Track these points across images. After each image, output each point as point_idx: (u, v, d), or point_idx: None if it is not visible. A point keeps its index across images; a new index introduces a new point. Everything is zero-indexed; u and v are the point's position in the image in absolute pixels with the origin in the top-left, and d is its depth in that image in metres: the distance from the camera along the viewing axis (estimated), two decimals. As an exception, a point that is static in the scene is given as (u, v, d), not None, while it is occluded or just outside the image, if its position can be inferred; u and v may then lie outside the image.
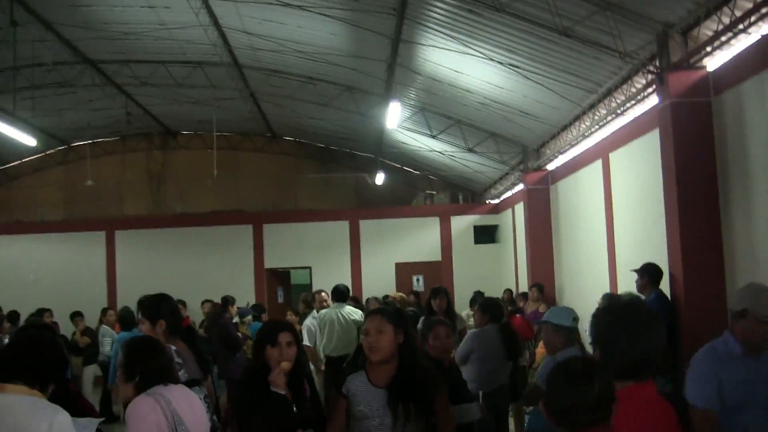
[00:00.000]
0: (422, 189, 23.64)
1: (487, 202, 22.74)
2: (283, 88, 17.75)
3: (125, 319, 12.03)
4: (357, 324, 11.29)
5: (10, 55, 14.51)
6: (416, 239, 22.27)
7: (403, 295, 14.34)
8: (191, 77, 17.44)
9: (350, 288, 13.63)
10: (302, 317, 13.92)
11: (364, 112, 17.86)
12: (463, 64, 13.33)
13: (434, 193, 23.19)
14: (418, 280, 21.66)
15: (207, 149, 23.66)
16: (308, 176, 23.64)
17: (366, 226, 22.44)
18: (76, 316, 15.09)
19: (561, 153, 15.45)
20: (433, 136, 17.66)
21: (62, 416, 3.77)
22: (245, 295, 19.66)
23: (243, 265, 22.09)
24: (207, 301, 17.28)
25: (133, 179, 24.22)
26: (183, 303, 15.79)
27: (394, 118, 14.60)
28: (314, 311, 12.60)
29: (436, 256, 22.19)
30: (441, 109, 16.54)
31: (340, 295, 11.98)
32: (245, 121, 21.81)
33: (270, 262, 22.37)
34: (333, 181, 23.89)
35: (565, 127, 14.35)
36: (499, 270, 21.51)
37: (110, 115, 21.06)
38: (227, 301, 13.21)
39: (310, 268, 22.31)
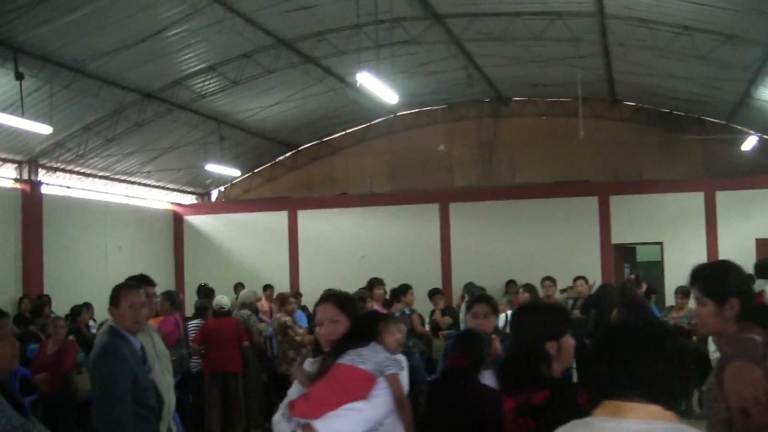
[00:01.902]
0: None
1: None
2: (648, 41, 15.47)
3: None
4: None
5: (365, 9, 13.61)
6: (781, 212, 19.34)
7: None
8: (547, 30, 15.69)
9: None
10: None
11: (747, 65, 15.27)
12: None
13: (806, 159, 19.97)
14: (780, 258, 18.60)
15: (541, 116, 22.30)
16: (676, 138, 21.33)
17: (722, 197, 19.87)
18: (435, 293, 13.61)
19: None
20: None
21: None
22: (590, 272, 17.54)
23: (587, 241, 20.35)
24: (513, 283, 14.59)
25: (463, 149, 22.91)
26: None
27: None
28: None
29: (802, 231, 19.11)
30: None
31: (765, 270, 9.65)
32: (584, 85, 19.71)
33: (617, 237, 20.44)
34: (678, 149, 21.46)
35: None
36: None
37: (443, 79, 19.97)
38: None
39: (661, 243, 20.15)
